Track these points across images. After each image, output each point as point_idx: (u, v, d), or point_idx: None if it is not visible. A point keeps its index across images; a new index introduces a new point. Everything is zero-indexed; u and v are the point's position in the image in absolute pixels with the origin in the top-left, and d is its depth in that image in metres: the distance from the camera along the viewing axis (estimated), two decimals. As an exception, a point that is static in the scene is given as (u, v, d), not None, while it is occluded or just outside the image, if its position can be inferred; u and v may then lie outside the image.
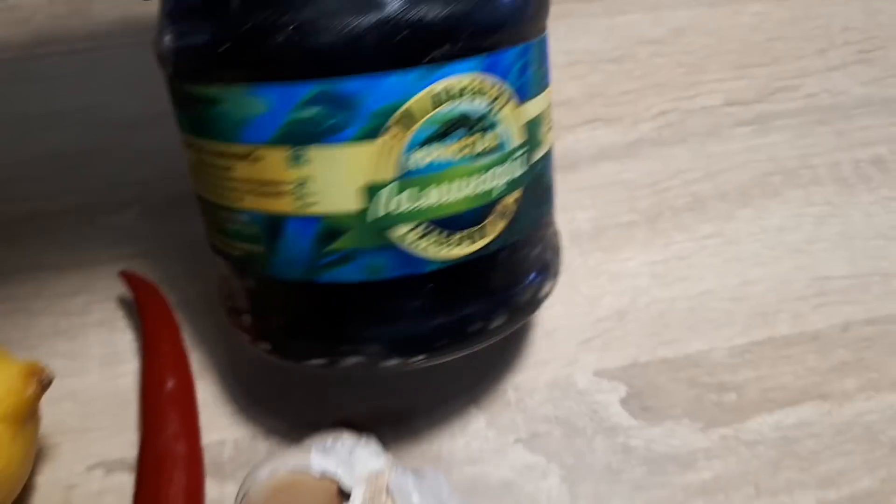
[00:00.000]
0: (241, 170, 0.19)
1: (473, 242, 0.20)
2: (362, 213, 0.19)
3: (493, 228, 0.20)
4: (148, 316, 0.27)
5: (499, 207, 0.20)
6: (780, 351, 0.28)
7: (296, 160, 0.19)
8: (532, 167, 0.20)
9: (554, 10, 0.38)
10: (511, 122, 0.19)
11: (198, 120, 0.20)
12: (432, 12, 0.18)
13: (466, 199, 0.19)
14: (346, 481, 0.20)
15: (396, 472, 0.20)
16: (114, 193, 0.32)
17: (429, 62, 0.18)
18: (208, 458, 0.25)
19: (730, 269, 0.30)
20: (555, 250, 0.23)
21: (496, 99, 0.19)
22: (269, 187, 0.19)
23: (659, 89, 0.36)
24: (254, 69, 0.18)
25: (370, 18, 0.17)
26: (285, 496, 0.20)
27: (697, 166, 0.33)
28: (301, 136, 0.18)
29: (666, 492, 0.25)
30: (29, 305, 0.29)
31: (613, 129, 0.34)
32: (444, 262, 0.20)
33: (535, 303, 0.22)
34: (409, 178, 0.19)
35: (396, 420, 0.26)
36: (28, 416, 0.22)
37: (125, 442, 0.26)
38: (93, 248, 0.30)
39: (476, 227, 0.20)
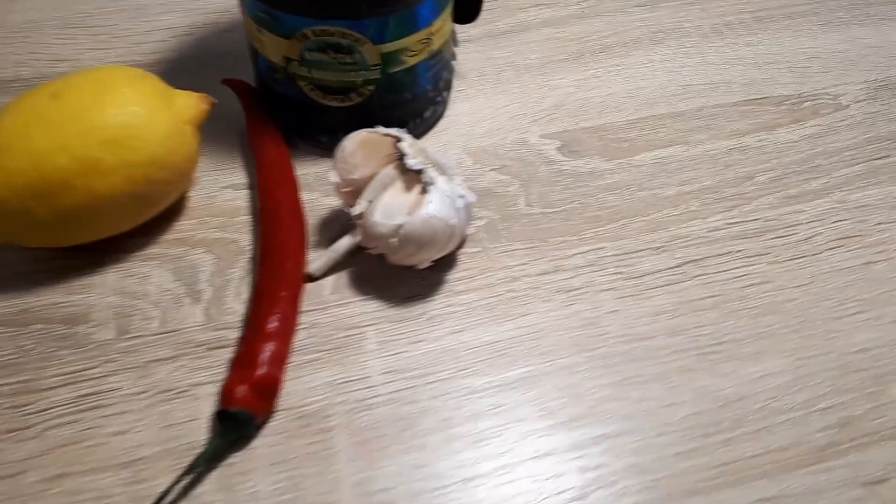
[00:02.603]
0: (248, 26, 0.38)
1: (342, 103, 0.38)
2: (284, 67, 0.37)
3: (355, 98, 0.38)
4: (245, 101, 0.42)
5: (359, 90, 0.37)
6: (657, 122, 0.43)
7: (259, 33, 0.37)
8: (387, 75, 0.37)
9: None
10: (367, 52, 0.36)
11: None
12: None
13: (338, 81, 0.37)
14: (402, 135, 0.34)
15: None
16: (220, 50, 0.47)
17: (320, 17, 0.35)
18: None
19: (626, 83, 0.45)
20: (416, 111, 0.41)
21: (356, 40, 0.36)
22: (255, 41, 0.38)
23: (583, -13, 0.52)
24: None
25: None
26: (366, 144, 0.35)
27: (608, 28, 0.49)
28: (262, 24, 0.36)
29: (584, 189, 0.39)
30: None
31: (551, 10, 0.50)
32: (326, 105, 0.38)
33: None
34: (305, 61, 0.37)
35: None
36: (201, 125, 0.36)
37: (246, 174, 0.40)
38: (204, 73, 0.45)
39: (345, 95, 0.38)
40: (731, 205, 0.39)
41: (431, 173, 0.34)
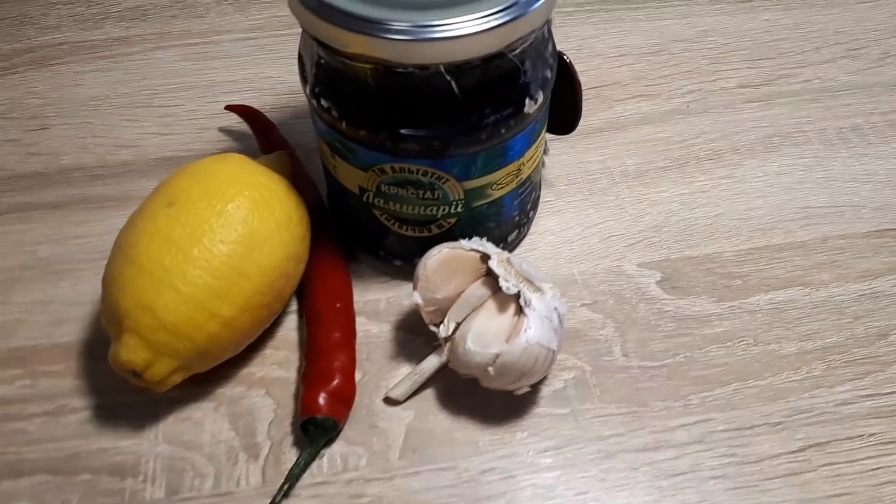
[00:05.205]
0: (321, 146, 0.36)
1: (420, 233, 0.34)
2: (359, 196, 0.34)
3: (435, 230, 0.34)
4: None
5: (439, 223, 0.34)
6: (774, 254, 0.38)
7: (333, 158, 0.34)
8: (470, 209, 0.33)
9: (608, 15, 0.50)
10: (450, 188, 0.32)
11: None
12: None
13: (416, 213, 0.33)
14: (487, 250, 0.32)
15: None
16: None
17: (399, 155, 0.31)
18: (370, 308, 0.36)
19: (738, 200, 0.40)
20: (500, 237, 0.36)
21: (439, 178, 0.31)
22: (328, 164, 0.35)
23: (688, 75, 0.47)
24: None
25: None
26: (450, 261, 0.32)
27: (716, 129, 0.43)
28: (336, 152, 0.33)
29: (690, 338, 0.35)
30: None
31: (652, 102, 0.45)
32: (401, 235, 0.35)
33: None
34: (381, 192, 0.33)
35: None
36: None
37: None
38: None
39: (424, 227, 0.34)
40: (861, 371, 0.34)
41: (527, 293, 0.31)
